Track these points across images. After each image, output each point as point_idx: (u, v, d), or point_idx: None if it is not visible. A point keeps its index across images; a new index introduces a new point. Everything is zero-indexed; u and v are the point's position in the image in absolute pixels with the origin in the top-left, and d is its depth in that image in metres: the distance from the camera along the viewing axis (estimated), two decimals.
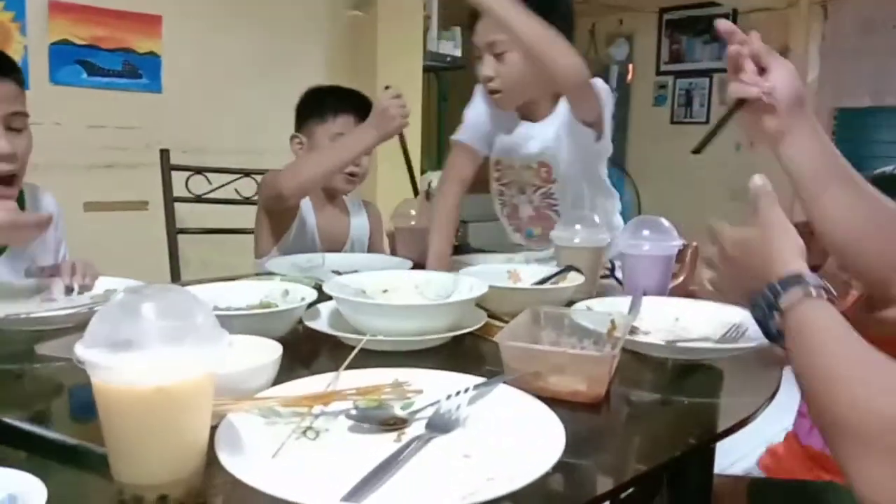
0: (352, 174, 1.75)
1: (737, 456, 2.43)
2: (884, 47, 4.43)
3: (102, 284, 1.23)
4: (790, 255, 0.72)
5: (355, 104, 1.75)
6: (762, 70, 0.92)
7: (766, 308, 0.70)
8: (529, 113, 1.59)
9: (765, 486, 1.27)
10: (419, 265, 1.54)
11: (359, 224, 1.88)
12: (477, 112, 1.63)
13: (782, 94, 0.90)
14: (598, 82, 1.50)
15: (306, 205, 1.75)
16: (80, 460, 0.63)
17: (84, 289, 1.21)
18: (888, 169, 1.39)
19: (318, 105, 1.76)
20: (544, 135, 1.56)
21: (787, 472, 1.36)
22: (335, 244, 1.78)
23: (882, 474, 0.53)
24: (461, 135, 1.64)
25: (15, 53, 2.11)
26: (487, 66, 1.50)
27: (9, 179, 1.26)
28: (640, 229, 1.31)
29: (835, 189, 0.90)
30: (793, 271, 0.69)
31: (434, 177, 3.55)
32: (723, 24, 0.94)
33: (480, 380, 0.76)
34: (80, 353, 0.53)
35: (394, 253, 1.70)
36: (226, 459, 0.56)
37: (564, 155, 1.56)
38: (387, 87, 1.58)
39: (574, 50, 1.39)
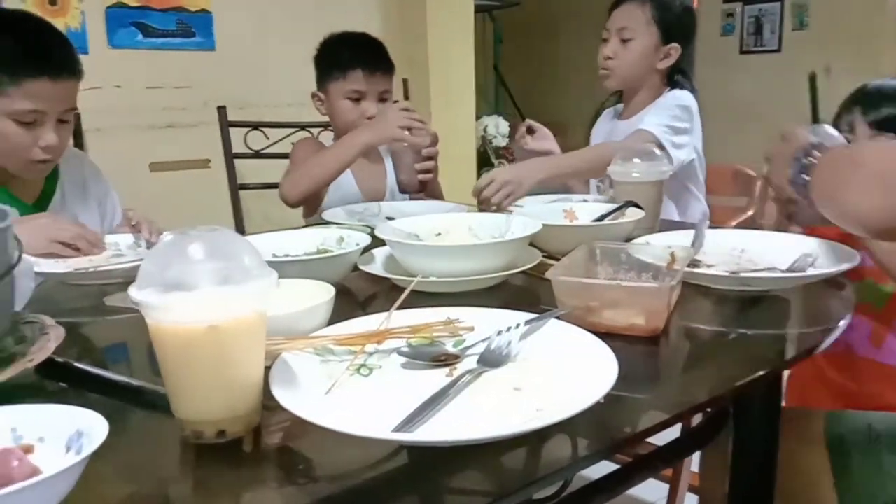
0: None
1: None
2: None
3: None
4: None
5: (365, 56, 1.72)
6: None
7: (802, 161, 0.88)
8: (632, 113, 1.72)
9: (844, 417, 1.20)
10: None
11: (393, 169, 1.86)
12: None
13: None
14: (680, 98, 1.64)
15: None
16: (145, 400, 0.65)
17: (150, 244, 1.25)
18: None
19: (331, 60, 1.74)
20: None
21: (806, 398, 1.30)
22: (377, 195, 1.78)
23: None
24: None
25: (73, 20, 2.16)
26: (610, 47, 1.67)
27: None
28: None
29: None
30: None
31: (489, 121, 3.50)
32: None
33: (533, 316, 0.75)
34: (133, 295, 0.55)
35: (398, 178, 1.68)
36: (280, 395, 0.57)
37: None
38: (395, 101, 1.65)
39: None
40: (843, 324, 0.82)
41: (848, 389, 1.24)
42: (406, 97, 1.63)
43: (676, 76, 1.71)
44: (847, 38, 4.43)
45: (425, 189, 1.61)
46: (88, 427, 0.51)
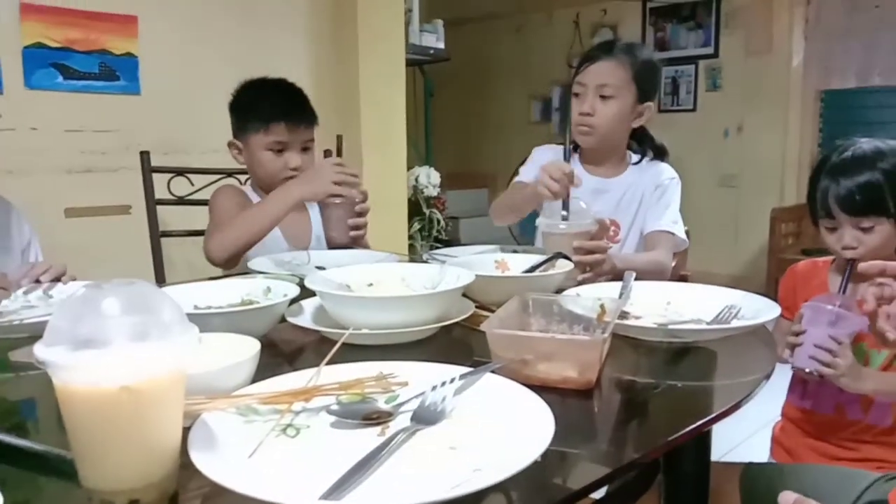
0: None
1: (732, 443, 2.41)
2: (867, 27, 4.43)
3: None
4: None
5: (288, 108, 1.68)
6: None
7: None
8: (596, 166, 1.69)
9: (758, 471, 1.24)
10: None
11: (318, 217, 1.83)
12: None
13: None
14: (677, 181, 1.68)
15: None
16: (49, 467, 0.60)
17: (50, 287, 1.20)
18: (861, 148, 1.29)
19: (251, 111, 1.69)
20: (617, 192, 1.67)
21: (795, 457, 1.33)
22: (301, 243, 1.74)
23: None
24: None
25: None
26: (588, 103, 1.58)
27: None
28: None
29: None
30: None
31: (420, 172, 3.52)
32: None
33: (467, 370, 0.73)
34: (39, 354, 0.50)
35: (328, 234, 1.64)
36: (199, 460, 0.54)
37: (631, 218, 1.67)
38: (326, 152, 1.54)
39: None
40: (768, 375, 0.84)
41: (834, 451, 1.27)
42: (339, 153, 1.59)
43: (642, 135, 1.72)
44: (757, 98, 4.73)
45: (356, 246, 1.58)
46: None
